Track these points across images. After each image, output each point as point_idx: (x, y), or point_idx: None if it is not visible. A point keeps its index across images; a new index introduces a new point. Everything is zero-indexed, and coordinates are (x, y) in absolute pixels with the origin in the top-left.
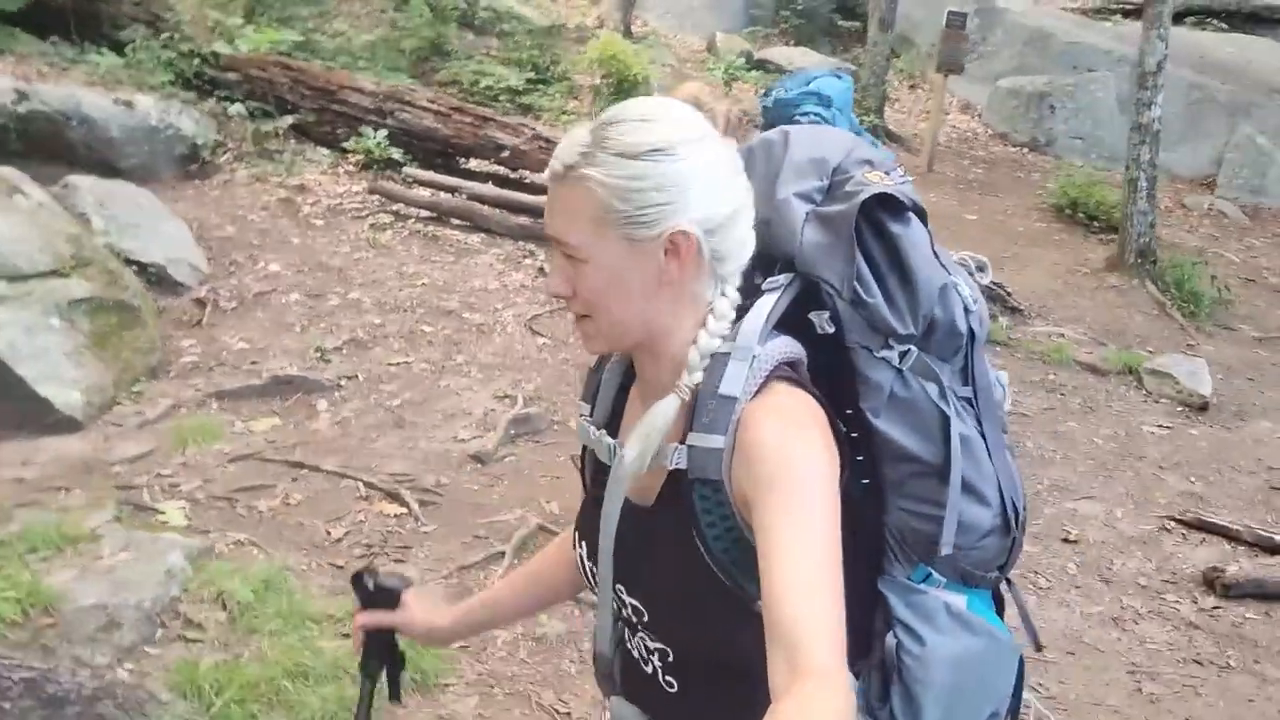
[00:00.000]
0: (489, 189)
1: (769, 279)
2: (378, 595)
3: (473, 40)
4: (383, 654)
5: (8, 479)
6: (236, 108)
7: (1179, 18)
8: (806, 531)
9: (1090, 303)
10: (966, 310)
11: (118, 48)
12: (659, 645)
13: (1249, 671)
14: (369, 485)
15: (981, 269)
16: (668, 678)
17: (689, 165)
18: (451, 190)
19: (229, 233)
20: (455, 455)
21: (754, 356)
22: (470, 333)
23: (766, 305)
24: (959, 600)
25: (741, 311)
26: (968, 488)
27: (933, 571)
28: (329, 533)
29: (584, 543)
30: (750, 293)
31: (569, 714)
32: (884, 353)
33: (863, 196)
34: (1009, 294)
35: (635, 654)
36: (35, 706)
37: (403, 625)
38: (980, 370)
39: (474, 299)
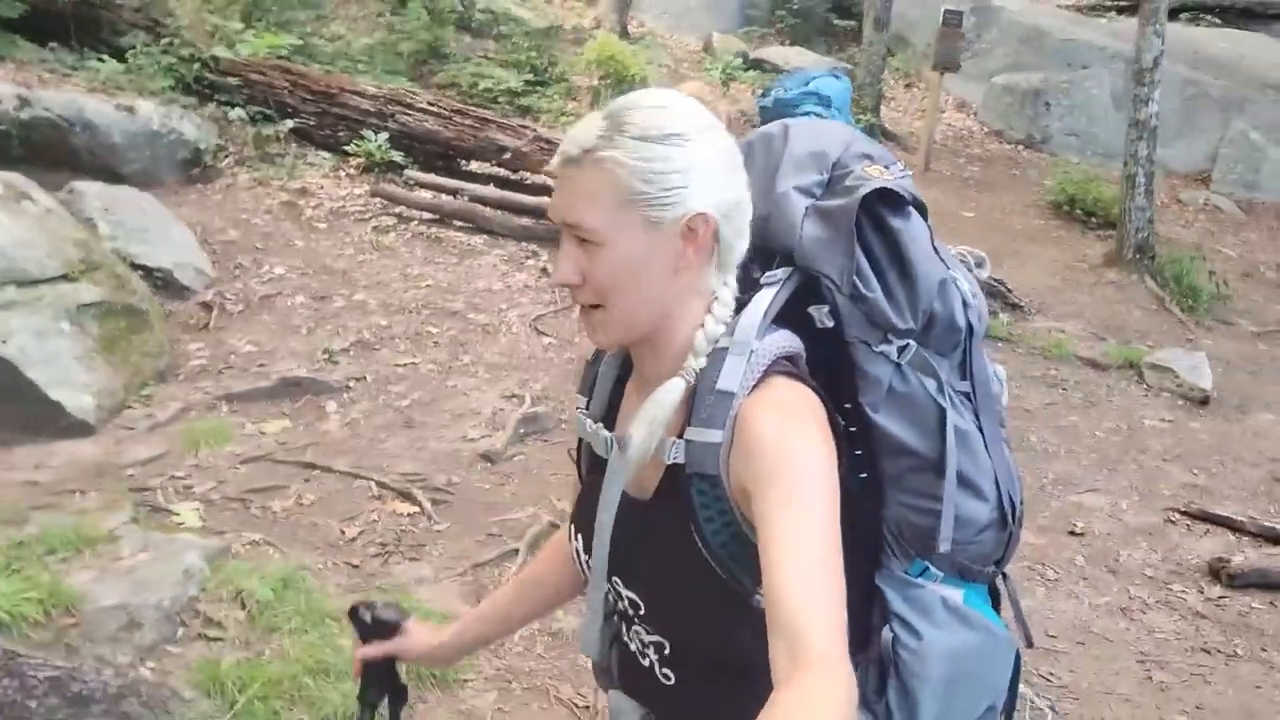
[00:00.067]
0: (490, 191)
1: (767, 273)
2: (376, 627)
3: (470, 43)
4: (382, 684)
5: (21, 482)
6: (237, 112)
7: (1173, 14)
8: (807, 524)
9: (1089, 298)
10: (965, 305)
11: (117, 53)
12: (656, 638)
13: (1256, 659)
14: (381, 485)
15: (980, 264)
16: (665, 670)
17: (704, 151)
18: (453, 192)
19: (233, 236)
20: (465, 454)
21: (752, 351)
22: (476, 333)
23: (765, 299)
24: (956, 595)
25: (740, 306)
26: (965, 482)
27: (930, 566)
28: (343, 532)
29: (580, 535)
30: (748, 286)
31: (587, 707)
32: (883, 347)
33: (863, 191)
34: (1009, 290)
35: (633, 647)
36: (61, 705)
37: (400, 651)
38: (978, 365)
39: (478, 300)
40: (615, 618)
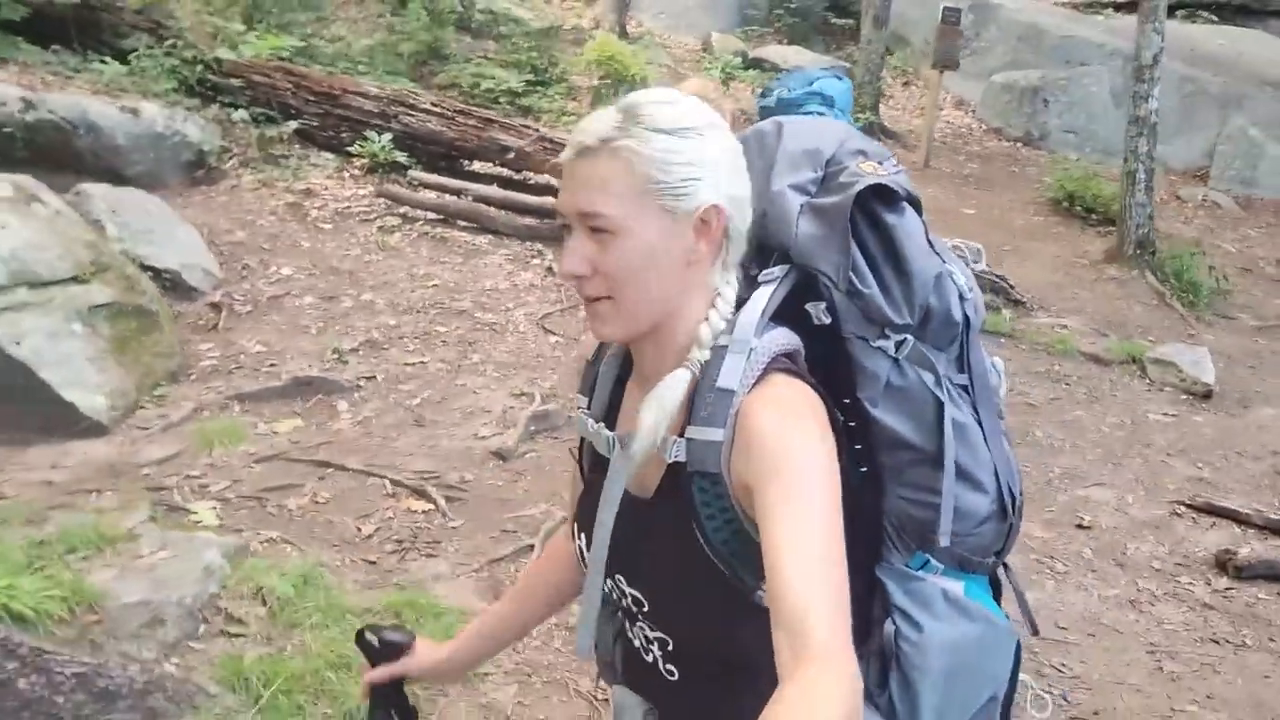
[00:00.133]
0: (494, 190)
1: (764, 271)
2: (384, 650)
3: (470, 43)
4: (390, 706)
5: (38, 482)
6: (240, 114)
7: (1170, 10)
8: (809, 520)
9: (1091, 294)
10: (961, 298)
11: (120, 55)
12: (659, 635)
13: (1265, 649)
14: (395, 483)
15: (976, 257)
16: (668, 666)
17: (715, 146)
18: (457, 193)
19: (239, 238)
20: (477, 452)
21: (751, 349)
22: (484, 332)
23: (763, 297)
24: (956, 586)
25: (738, 304)
26: (964, 474)
27: (930, 558)
28: (359, 529)
29: (583, 534)
30: (746, 285)
31: (606, 700)
32: (880, 342)
33: (857, 188)
34: (1011, 286)
35: (636, 643)
36: (88, 700)
37: (407, 671)
38: (976, 357)
39: (485, 299)
40: (619, 614)
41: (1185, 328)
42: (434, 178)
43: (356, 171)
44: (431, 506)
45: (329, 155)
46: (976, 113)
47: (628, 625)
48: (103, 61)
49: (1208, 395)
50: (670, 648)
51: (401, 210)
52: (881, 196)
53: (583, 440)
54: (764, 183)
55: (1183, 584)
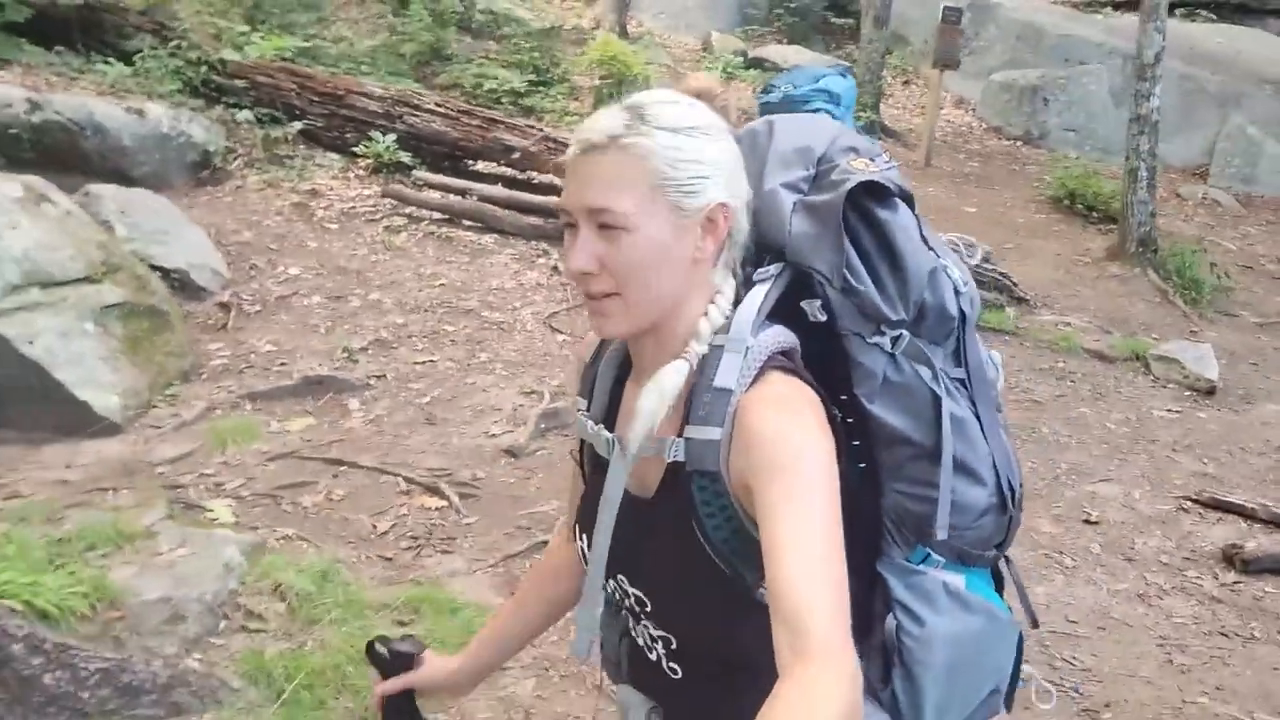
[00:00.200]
0: (499, 190)
1: (759, 270)
2: (395, 661)
3: (471, 44)
4: (402, 717)
5: (53, 481)
6: (244, 114)
7: (1169, 9)
8: (808, 518)
9: (1093, 292)
10: (957, 292)
11: (123, 56)
12: (662, 634)
13: (1273, 642)
14: (408, 480)
15: (971, 250)
16: (671, 665)
17: (720, 146)
18: (462, 193)
19: (246, 238)
20: (488, 450)
21: (747, 348)
22: (491, 331)
23: (758, 296)
24: (958, 580)
25: (735, 303)
26: (962, 468)
27: (931, 552)
28: (374, 527)
29: (584, 535)
30: (742, 284)
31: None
32: (876, 338)
33: (849, 185)
34: (1015, 284)
35: (640, 641)
36: (112, 695)
37: (418, 683)
38: (972, 351)
39: (492, 298)
40: (623, 613)
41: (1188, 325)
42: (439, 178)
43: (361, 172)
44: (445, 503)
45: (334, 156)
46: (976, 111)
47: (632, 624)
48: (106, 62)
49: (1211, 392)
50: (673, 646)
51: (407, 210)
52: (874, 193)
53: (583, 442)
54: (757, 182)
55: (1190, 578)
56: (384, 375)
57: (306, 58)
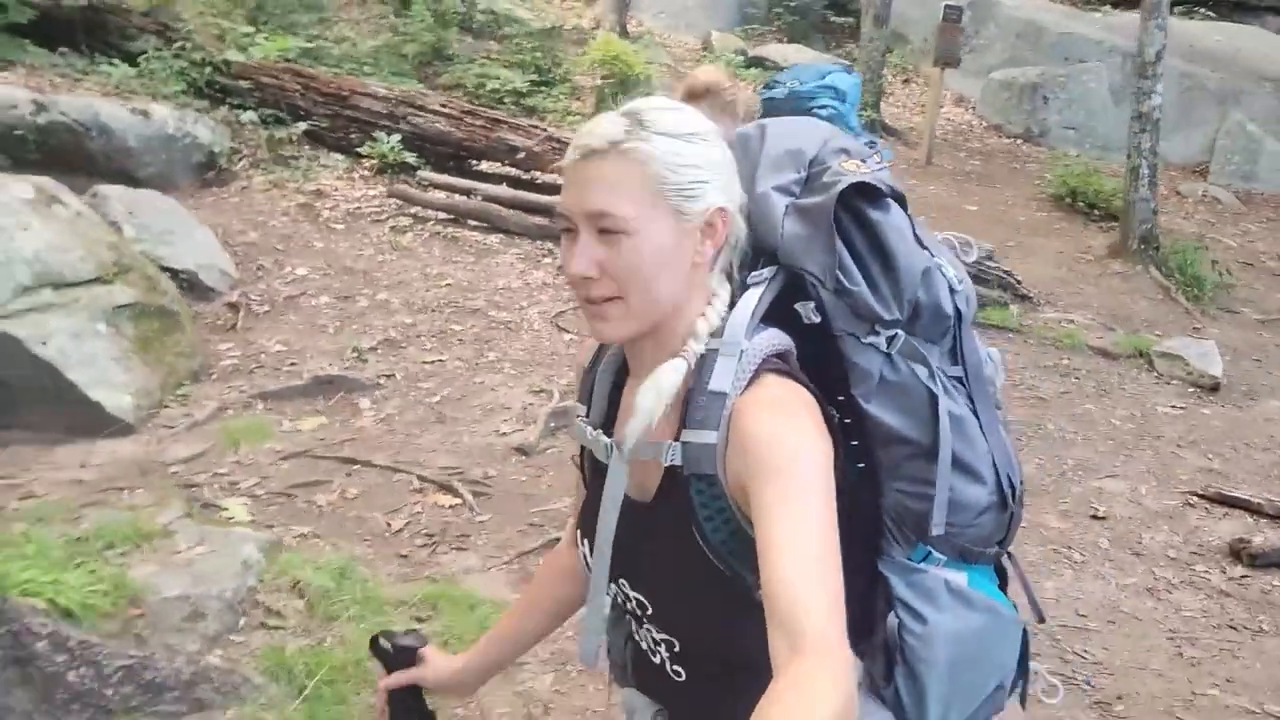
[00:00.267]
0: (504, 190)
1: (753, 273)
2: (399, 655)
3: (472, 44)
4: (409, 710)
5: (67, 481)
6: (249, 115)
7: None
8: (804, 520)
9: (1096, 289)
10: (952, 291)
11: (127, 57)
12: (665, 637)
13: None
14: (421, 478)
15: (967, 249)
16: (675, 668)
17: (717, 151)
18: (467, 193)
19: (252, 238)
20: (499, 448)
21: (742, 351)
22: (499, 330)
23: (751, 300)
24: (960, 577)
25: (730, 306)
26: (961, 466)
27: (932, 550)
28: (389, 524)
29: (586, 540)
30: (737, 288)
31: None
32: (871, 339)
33: (840, 187)
34: (1018, 282)
35: (644, 645)
36: (136, 692)
37: (423, 680)
38: (969, 349)
39: (499, 298)
40: (627, 617)
41: (1190, 322)
42: (444, 178)
43: (366, 172)
44: (459, 501)
45: (338, 156)
46: (976, 110)
47: (635, 628)
48: (111, 64)
49: (1215, 388)
50: (677, 649)
51: (412, 210)
52: (865, 194)
53: (583, 448)
54: (749, 186)
55: (1198, 572)
56: (393, 375)
57: (309, 58)
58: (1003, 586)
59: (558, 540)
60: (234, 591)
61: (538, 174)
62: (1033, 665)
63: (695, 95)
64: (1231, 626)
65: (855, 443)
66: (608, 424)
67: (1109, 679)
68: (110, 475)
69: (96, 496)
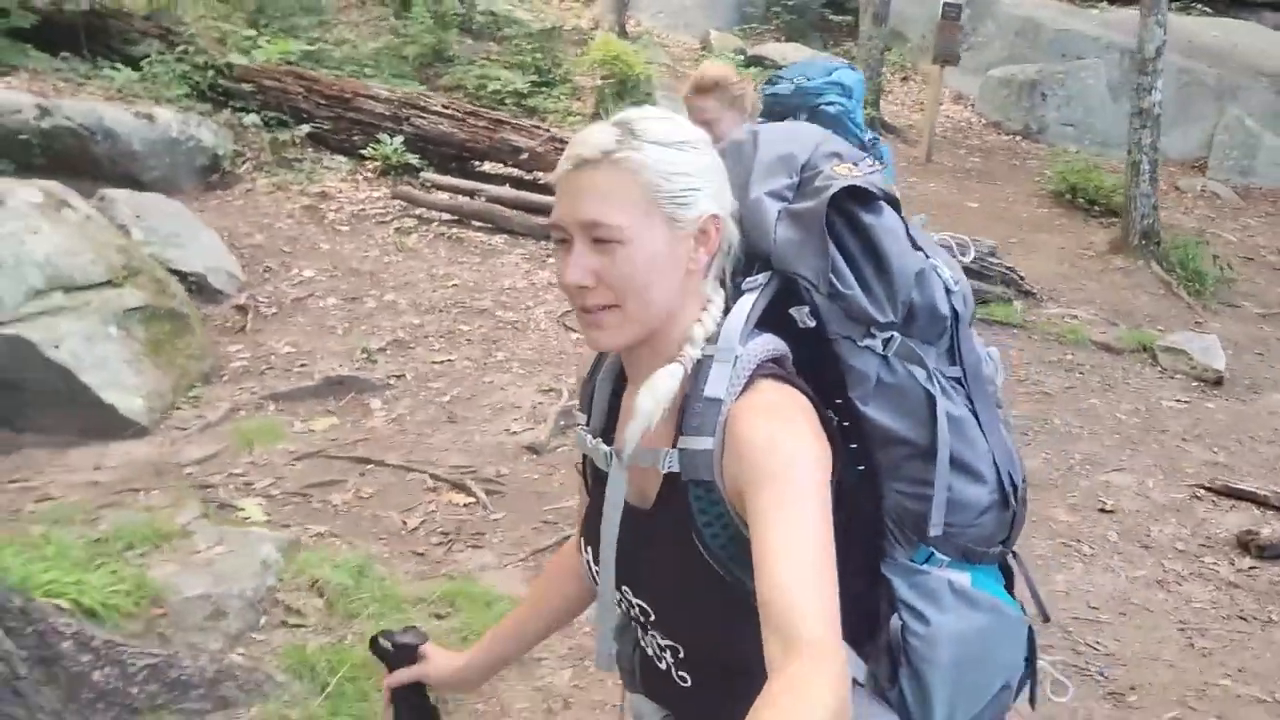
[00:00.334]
0: (507, 191)
1: (747, 279)
2: (400, 653)
3: (472, 45)
4: (413, 709)
5: (82, 483)
6: (252, 118)
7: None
8: (799, 525)
9: (1098, 284)
10: (948, 291)
11: (130, 62)
12: (669, 643)
13: None
14: (435, 477)
15: (963, 249)
16: (680, 673)
17: (709, 160)
18: (470, 194)
19: (259, 241)
20: (510, 447)
21: (736, 357)
22: (506, 330)
23: (746, 306)
24: (963, 578)
25: (724, 312)
26: (961, 466)
27: (935, 551)
28: (404, 523)
29: (589, 547)
30: (731, 294)
31: None
32: (867, 341)
33: (831, 191)
34: (1021, 278)
35: (650, 651)
36: (160, 690)
37: (426, 677)
38: (967, 349)
39: (505, 298)
40: (633, 624)
41: (1192, 316)
42: (447, 179)
43: (370, 174)
44: (473, 500)
45: (342, 158)
46: (975, 107)
47: (640, 635)
48: (114, 68)
49: (1219, 382)
50: (681, 655)
51: (417, 212)
52: (857, 197)
53: (585, 456)
54: (742, 192)
55: (1207, 564)
56: (403, 375)
57: (311, 61)
58: (1009, 586)
59: (571, 537)
60: (254, 590)
61: (540, 174)
62: (1041, 663)
63: (704, 90)
64: (1241, 617)
65: (854, 445)
66: (608, 432)
67: (1121, 670)
68: (125, 477)
69: (113, 498)
